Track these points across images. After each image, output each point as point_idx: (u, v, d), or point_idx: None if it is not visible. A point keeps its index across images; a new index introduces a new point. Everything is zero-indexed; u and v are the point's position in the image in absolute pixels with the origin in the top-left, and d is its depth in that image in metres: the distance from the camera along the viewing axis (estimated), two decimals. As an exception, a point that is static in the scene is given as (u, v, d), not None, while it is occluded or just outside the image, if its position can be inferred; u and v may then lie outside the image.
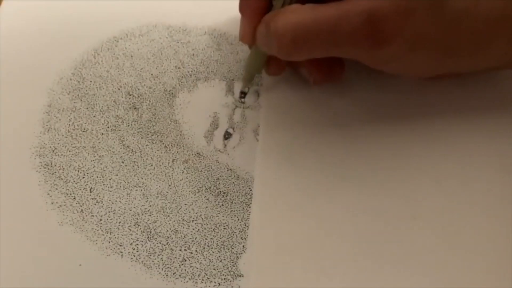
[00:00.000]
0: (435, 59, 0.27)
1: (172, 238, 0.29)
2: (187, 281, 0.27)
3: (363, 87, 0.33)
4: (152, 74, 0.35)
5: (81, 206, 0.30)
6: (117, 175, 0.31)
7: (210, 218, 0.30)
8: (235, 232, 0.29)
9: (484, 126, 0.32)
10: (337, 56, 0.28)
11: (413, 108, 0.32)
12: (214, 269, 0.28)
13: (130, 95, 0.34)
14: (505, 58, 0.28)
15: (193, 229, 0.29)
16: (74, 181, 0.31)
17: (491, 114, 0.32)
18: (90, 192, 0.30)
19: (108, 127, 0.33)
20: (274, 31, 0.26)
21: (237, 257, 0.28)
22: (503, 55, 0.28)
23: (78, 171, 0.31)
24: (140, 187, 0.30)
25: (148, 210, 0.30)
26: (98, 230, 0.29)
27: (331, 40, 0.25)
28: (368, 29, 0.25)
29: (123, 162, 0.31)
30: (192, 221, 0.29)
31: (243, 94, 0.33)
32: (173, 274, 0.28)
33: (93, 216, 0.29)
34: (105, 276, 0.27)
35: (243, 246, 0.29)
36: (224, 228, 0.29)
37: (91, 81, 0.35)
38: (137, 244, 0.29)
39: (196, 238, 0.29)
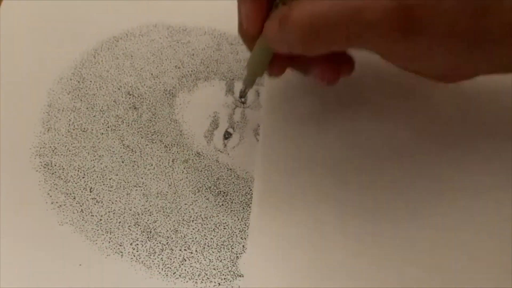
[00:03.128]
0: (462, 53, 0.25)
1: (172, 238, 0.29)
2: (187, 281, 0.27)
3: (365, 87, 0.33)
4: (152, 74, 0.35)
5: (81, 206, 0.30)
6: (117, 175, 0.31)
7: (210, 218, 0.30)
8: (235, 232, 0.29)
9: (484, 128, 0.32)
10: (361, 48, 0.25)
11: (416, 110, 0.32)
12: (214, 269, 0.28)
13: (130, 95, 0.34)
14: None
15: (193, 229, 0.29)
16: (74, 181, 0.31)
17: (490, 116, 0.32)
18: (90, 192, 0.30)
19: (108, 127, 0.33)
20: (292, 24, 0.24)
21: (237, 257, 0.28)
22: None
23: (78, 171, 0.31)
24: (140, 187, 0.30)
25: (148, 210, 0.30)
26: (98, 230, 0.29)
27: (354, 30, 0.24)
28: (398, 18, 0.23)
29: (123, 162, 0.31)
30: (192, 221, 0.29)
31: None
32: (173, 274, 0.28)
33: (93, 216, 0.29)
34: (105, 276, 0.27)
35: (243, 246, 0.29)
36: (224, 228, 0.29)
37: (91, 81, 0.35)
38: (137, 244, 0.29)
39: (196, 238, 0.29)
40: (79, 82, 0.35)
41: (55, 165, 0.31)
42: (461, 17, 0.24)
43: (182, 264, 0.28)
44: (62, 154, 0.32)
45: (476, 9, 0.24)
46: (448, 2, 0.23)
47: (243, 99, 0.32)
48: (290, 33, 0.25)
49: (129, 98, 0.34)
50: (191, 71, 0.35)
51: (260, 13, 0.27)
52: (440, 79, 0.30)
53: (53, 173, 0.31)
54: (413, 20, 0.23)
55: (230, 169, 0.31)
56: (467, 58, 0.26)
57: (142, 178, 0.31)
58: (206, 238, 0.29)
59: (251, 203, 0.30)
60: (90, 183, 0.31)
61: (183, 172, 0.31)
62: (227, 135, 0.32)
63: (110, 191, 0.30)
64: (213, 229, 0.29)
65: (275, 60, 0.29)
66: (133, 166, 0.31)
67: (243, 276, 0.28)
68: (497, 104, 0.32)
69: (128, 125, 0.33)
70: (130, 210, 0.30)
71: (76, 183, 0.30)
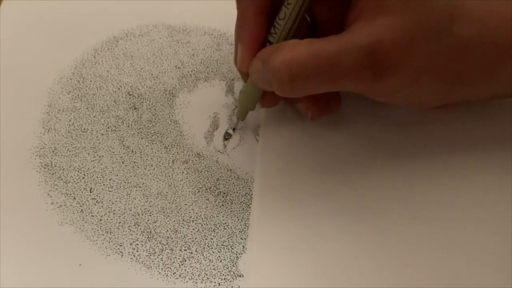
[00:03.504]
0: (441, 89, 0.26)
1: (172, 238, 0.29)
2: (187, 281, 0.27)
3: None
4: (152, 74, 0.35)
5: (81, 206, 0.30)
6: (117, 175, 0.31)
7: (210, 218, 0.30)
8: (235, 232, 0.29)
9: (484, 127, 0.32)
10: (338, 90, 0.26)
11: (417, 110, 0.32)
12: (214, 269, 0.28)
13: (130, 95, 0.34)
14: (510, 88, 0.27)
15: (193, 229, 0.29)
16: (74, 181, 0.31)
17: (490, 116, 0.32)
18: (90, 192, 0.30)
19: (108, 127, 0.33)
20: (272, 68, 0.25)
21: (237, 257, 0.28)
22: (510, 83, 0.26)
23: (78, 171, 0.31)
24: (140, 187, 0.30)
25: (148, 210, 0.30)
26: (98, 230, 0.29)
27: (332, 75, 0.24)
28: (370, 62, 0.24)
29: (123, 163, 0.31)
30: (192, 221, 0.29)
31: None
32: (173, 274, 0.28)
33: (93, 216, 0.29)
34: (105, 276, 0.27)
35: (243, 246, 0.29)
36: (224, 228, 0.29)
37: (91, 81, 0.35)
38: (137, 244, 0.29)
39: (196, 238, 0.29)
40: (79, 82, 0.35)
41: (55, 166, 0.31)
42: (435, 60, 0.24)
43: (182, 264, 0.28)
44: (62, 155, 0.32)
45: (450, 52, 0.24)
46: (420, 46, 0.24)
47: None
48: (272, 77, 0.26)
49: (129, 98, 0.34)
50: (191, 71, 0.35)
51: (252, 55, 0.28)
52: (426, 109, 0.31)
53: (53, 174, 0.31)
54: (385, 64, 0.24)
55: (230, 170, 0.31)
56: (448, 94, 0.26)
57: (142, 178, 0.31)
58: (206, 238, 0.29)
59: (251, 203, 0.30)
60: (90, 183, 0.31)
61: (183, 172, 0.31)
62: (227, 136, 0.32)
63: (110, 191, 0.30)
64: (213, 229, 0.29)
65: (266, 94, 0.30)
66: (133, 166, 0.31)
67: (243, 276, 0.28)
68: (497, 104, 0.32)
69: (128, 126, 0.33)
70: (130, 210, 0.30)
71: (76, 184, 0.31)
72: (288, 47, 0.25)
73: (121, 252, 0.28)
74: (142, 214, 0.30)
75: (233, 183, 0.31)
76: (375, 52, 0.23)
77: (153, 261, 0.28)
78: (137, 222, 0.29)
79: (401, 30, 0.23)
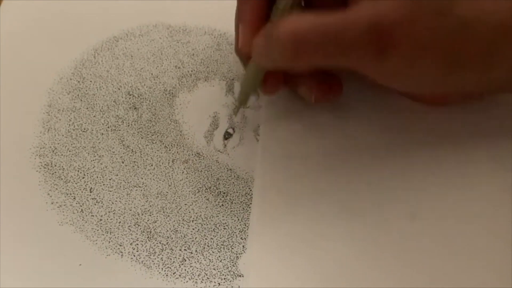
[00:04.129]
0: (441, 70, 0.26)
1: (172, 238, 0.29)
2: (187, 281, 0.27)
3: (367, 87, 0.33)
4: (152, 74, 0.35)
5: (81, 206, 0.30)
6: (117, 175, 0.31)
7: (210, 218, 0.30)
8: (235, 232, 0.29)
9: (484, 127, 0.32)
10: (341, 65, 0.26)
11: (417, 110, 0.32)
12: (214, 269, 0.28)
13: (130, 95, 0.34)
14: (510, 73, 0.27)
15: (193, 229, 0.29)
16: (74, 181, 0.31)
17: (491, 115, 0.32)
18: (90, 192, 0.30)
19: (108, 127, 0.33)
20: (276, 38, 0.25)
21: (237, 257, 0.28)
22: (509, 68, 0.26)
23: (78, 171, 0.31)
24: (140, 187, 0.30)
25: (148, 210, 0.30)
26: (98, 230, 0.29)
27: (334, 48, 0.25)
28: (372, 37, 0.24)
29: (123, 162, 0.31)
30: (192, 221, 0.29)
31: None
32: (173, 274, 0.28)
33: (93, 216, 0.29)
34: (105, 276, 0.27)
35: (243, 246, 0.29)
36: (224, 228, 0.29)
37: (91, 81, 0.35)
38: (137, 244, 0.29)
39: (196, 238, 0.29)
40: (79, 82, 0.35)
41: (55, 165, 0.31)
42: (436, 38, 0.25)
43: (182, 264, 0.28)
44: (62, 154, 0.32)
45: (451, 32, 0.25)
46: (422, 23, 0.24)
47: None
48: (274, 48, 0.26)
49: (129, 98, 0.34)
50: (191, 71, 0.35)
51: (254, 35, 0.28)
52: (427, 101, 0.31)
53: (53, 173, 0.31)
54: (387, 39, 0.24)
55: (230, 170, 0.31)
56: (447, 77, 0.27)
57: (142, 178, 0.31)
58: (206, 238, 0.29)
59: (251, 203, 0.30)
60: (90, 183, 0.31)
61: (183, 172, 0.31)
62: (227, 136, 0.32)
63: (110, 191, 0.30)
64: (213, 229, 0.29)
65: (267, 79, 0.30)
66: (133, 166, 0.31)
67: (243, 276, 0.28)
68: (497, 104, 0.32)
69: (128, 125, 0.33)
70: (130, 210, 0.30)
71: (76, 183, 0.30)
72: (291, 19, 0.25)
73: (121, 252, 0.28)
74: (142, 214, 0.30)
75: (233, 183, 0.31)
76: (378, 27, 0.24)
77: (153, 261, 0.28)
78: (137, 222, 0.29)
79: (404, 7, 0.24)
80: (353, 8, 0.25)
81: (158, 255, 0.28)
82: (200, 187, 0.31)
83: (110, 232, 0.29)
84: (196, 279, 0.27)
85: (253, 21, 0.28)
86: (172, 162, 0.31)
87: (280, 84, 0.30)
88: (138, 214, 0.30)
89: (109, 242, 0.29)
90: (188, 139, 0.32)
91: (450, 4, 0.24)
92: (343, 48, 0.25)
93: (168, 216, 0.30)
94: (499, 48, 0.26)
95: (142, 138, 0.32)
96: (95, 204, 0.30)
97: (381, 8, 0.24)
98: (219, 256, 0.28)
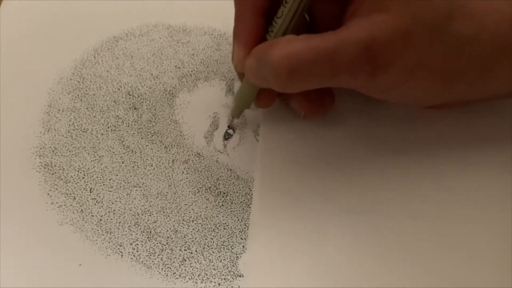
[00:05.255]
0: (436, 87, 0.26)
1: (172, 238, 0.29)
2: (187, 281, 0.27)
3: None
4: (152, 74, 0.35)
5: (81, 206, 0.30)
6: (117, 175, 0.31)
7: (210, 218, 0.30)
8: (235, 232, 0.29)
9: (485, 126, 0.32)
10: (335, 86, 0.27)
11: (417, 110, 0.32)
12: (214, 269, 0.28)
13: (130, 95, 0.34)
14: (509, 87, 0.27)
15: (193, 229, 0.29)
16: (74, 181, 0.31)
17: (491, 115, 0.32)
18: (90, 192, 0.30)
19: (108, 127, 0.33)
20: (270, 62, 0.25)
21: (237, 257, 0.28)
22: (507, 83, 0.26)
23: (78, 171, 0.31)
24: (140, 187, 0.30)
25: (148, 210, 0.30)
26: (98, 230, 0.29)
27: (329, 70, 0.25)
28: (366, 57, 0.24)
29: (123, 163, 0.31)
30: (192, 221, 0.29)
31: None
32: (173, 274, 0.28)
33: (93, 216, 0.29)
34: (105, 276, 0.27)
35: (243, 246, 0.29)
36: (224, 228, 0.29)
37: (91, 81, 0.35)
38: (137, 244, 0.29)
39: (196, 238, 0.29)
40: (79, 82, 0.35)
41: (55, 166, 0.31)
42: (430, 56, 0.24)
43: (182, 264, 0.28)
44: (62, 155, 0.32)
45: (446, 49, 0.24)
46: (416, 41, 0.24)
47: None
48: (269, 72, 0.25)
49: (129, 98, 0.34)
50: (191, 71, 0.35)
51: (249, 54, 0.28)
52: (423, 107, 0.31)
53: (53, 174, 0.31)
54: (381, 59, 0.24)
55: (230, 170, 0.31)
56: (443, 92, 0.27)
57: (142, 178, 0.31)
58: (206, 238, 0.29)
59: (251, 203, 0.30)
60: (90, 183, 0.31)
61: (183, 172, 0.31)
62: (227, 136, 0.32)
63: (110, 191, 0.30)
64: (213, 229, 0.29)
65: (261, 94, 0.30)
66: (133, 166, 0.31)
67: (243, 276, 0.28)
68: (497, 102, 0.32)
69: (128, 126, 0.33)
70: (130, 210, 0.30)
71: (76, 184, 0.31)
72: (284, 42, 0.25)
73: (121, 252, 0.28)
74: (142, 214, 0.30)
75: (233, 183, 0.31)
76: (372, 47, 0.24)
77: (153, 261, 0.28)
78: (137, 222, 0.29)
79: (397, 25, 0.24)
80: (347, 28, 0.24)
81: (158, 255, 0.28)
82: (200, 187, 0.31)
83: (110, 232, 0.29)
84: (196, 279, 0.28)
85: (248, 41, 0.28)
86: (172, 162, 0.31)
87: (274, 98, 0.30)
88: (138, 214, 0.30)
89: (109, 242, 0.29)
90: (188, 139, 0.32)
91: (448, 20, 0.24)
92: (337, 70, 0.25)
93: (168, 216, 0.30)
94: (497, 63, 0.25)
95: (142, 138, 0.32)
96: (95, 204, 0.30)
97: (374, 27, 0.24)
98: (219, 256, 0.28)
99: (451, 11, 0.24)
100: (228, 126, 0.32)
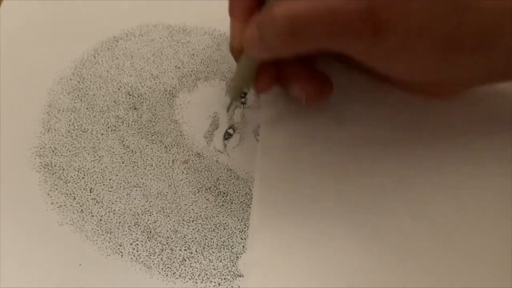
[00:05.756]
0: (437, 55, 0.26)
1: (172, 238, 0.29)
2: (187, 281, 0.27)
3: (364, 89, 0.33)
4: (152, 74, 0.35)
5: (81, 206, 0.30)
6: (117, 175, 0.31)
7: (210, 218, 0.30)
8: (235, 232, 0.29)
9: (484, 125, 0.32)
10: (336, 49, 0.26)
11: (416, 108, 0.32)
12: (214, 269, 0.28)
13: (130, 95, 0.34)
14: (507, 67, 0.26)
15: (193, 229, 0.29)
16: (74, 181, 0.31)
17: (490, 113, 0.32)
18: (90, 192, 0.30)
19: (108, 127, 0.33)
20: (272, 23, 0.25)
21: (237, 257, 0.28)
22: (505, 62, 0.26)
23: (78, 171, 0.31)
24: (140, 187, 0.31)
25: (148, 210, 0.30)
26: (98, 230, 0.29)
27: (330, 29, 0.25)
28: (368, 17, 0.24)
29: (123, 163, 0.31)
30: (192, 221, 0.29)
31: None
32: (173, 274, 0.28)
33: (93, 216, 0.29)
34: (105, 276, 0.27)
35: (243, 246, 0.29)
36: (224, 228, 0.29)
37: (91, 81, 0.35)
38: (137, 244, 0.29)
39: (196, 238, 0.29)
40: (79, 82, 0.35)
41: (55, 166, 0.31)
42: (432, 20, 0.24)
43: (182, 264, 0.28)
44: (62, 155, 0.32)
45: (448, 13, 0.24)
46: (418, 4, 0.24)
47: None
48: (269, 32, 0.25)
49: (129, 98, 0.34)
50: (191, 71, 0.35)
51: (244, 27, 0.28)
52: (421, 92, 0.30)
53: (53, 174, 0.31)
54: (383, 20, 0.24)
55: (230, 170, 0.31)
56: (442, 63, 0.26)
57: (142, 178, 0.31)
58: (206, 238, 0.29)
59: (251, 203, 0.30)
60: (90, 183, 0.31)
61: (183, 172, 0.31)
62: (227, 136, 0.32)
63: (110, 191, 0.30)
64: (213, 229, 0.29)
65: (260, 75, 0.29)
66: (133, 166, 0.31)
67: (243, 276, 0.28)
68: (497, 101, 0.32)
69: (128, 126, 0.33)
70: (130, 210, 0.30)
71: (76, 184, 0.31)
72: (285, 2, 0.25)
73: (121, 252, 0.28)
74: (142, 214, 0.30)
75: (233, 183, 0.31)
76: (374, 8, 0.24)
77: (153, 261, 0.28)
78: (137, 222, 0.29)
79: None
80: None
81: (158, 255, 0.28)
82: (200, 187, 0.31)
83: (110, 232, 0.29)
84: (196, 279, 0.28)
85: (244, 15, 0.28)
86: (172, 162, 0.31)
87: (273, 81, 0.30)
88: (138, 214, 0.30)
89: (109, 242, 0.29)
90: (188, 139, 0.32)
91: None
92: (338, 30, 0.24)
93: (168, 216, 0.30)
94: (497, 37, 0.25)
95: (142, 138, 0.32)
96: (95, 204, 0.30)
97: None
98: (219, 256, 0.28)
99: None
100: (227, 110, 0.32)
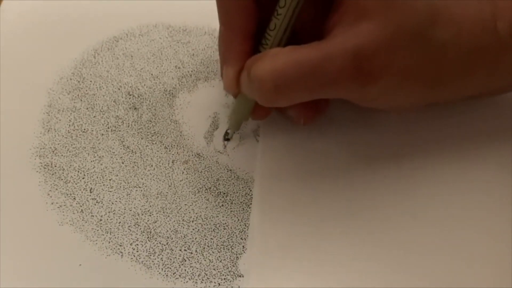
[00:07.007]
0: (423, 92, 0.26)
1: (172, 238, 0.29)
2: (187, 281, 0.27)
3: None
4: (152, 74, 0.35)
5: (81, 206, 0.30)
6: (117, 175, 0.31)
7: (210, 218, 0.30)
8: (235, 232, 0.29)
9: (484, 126, 0.32)
10: (324, 97, 0.26)
11: (416, 111, 0.32)
12: (214, 269, 0.28)
13: (130, 95, 0.34)
14: (484, 87, 0.27)
15: (193, 229, 0.29)
16: (74, 182, 0.31)
17: (490, 114, 0.32)
18: (90, 192, 0.30)
19: (108, 128, 0.33)
20: (254, 79, 0.25)
21: (237, 257, 0.28)
22: (483, 84, 0.27)
23: (78, 171, 0.31)
24: (140, 187, 0.31)
25: (148, 211, 0.30)
26: (98, 230, 0.29)
27: (315, 83, 0.24)
28: (354, 69, 0.23)
29: (123, 163, 0.31)
30: (192, 221, 0.29)
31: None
32: (173, 274, 0.28)
33: (93, 216, 0.29)
34: (105, 276, 0.27)
35: (243, 246, 0.29)
36: (224, 228, 0.29)
37: (91, 81, 0.35)
38: (137, 244, 0.29)
39: (196, 238, 0.29)
40: (79, 82, 0.35)
41: (55, 166, 0.31)
42: (418, 62, 0.24)
43: (182, 264, 0.28)
44: (62, 155, 0.32)
45: (433, 53, 0.25)
46: (402, 48, 0.24)
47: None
48: (255, 88, 0.25)
49: (129, 98, 0.34)
50: (191, 71, 0.35)
51: (238, 75, 0.28)
52: (405, 111, 0.31)
53: (53, 174, 0.31)
54: (369, 69, 0.24)
55: (230, 170, 0.31)
56: (427, 95, 0.27)
57: (142, 178, 0.31)
58: (206, 239, 0.29)
59: (251, 203, 0.30)
60: (90, 183, 0.31)
61: (183, 173, 0.31)
62: (227, 136, 0.32)
63: (110, 191, 0.30)
64: (213, 230, 0.29)
65: (257, 106, 0.29)
66: (133, 166, 0.31)
67: (243, 276, 0.28)
68: (496, 103, 0.32)
69: (128, 126, 0.33)
70: (130, 210, 0.30)
71: (76, 184, 0.31)
72: (269, 56, 0.25)
73: (121, 252, 0.28)
74: (142, 214, 0.30)
75: (233, 183, 0.31)
76: (359, 57, 0.23)
77: (153, 261, 0.28)
78: (137, 222, 0.29)
79: (383, 34, 0.23)
80: (332, 38, 0.24)
81: (158, 255, 0.28)
82: (200, 188, 0.31)
83: (110, 232, 0.29)
84: (196, 279, 0.28)
85: (238, 65, 0.28)
86: (172, 162, 0.32)
87: (269, 111, 0.30)
88: (138, 215, 0.30)
89: (109, 242, 0.29)
90: (188, 139, 0.32)
91: (430, 26, 0.24)
92: (324, 83, 0.24)
93: (168, 216, 0.30)
94: (474, 67, 0.26)
95: (142, 138, 0.32)
96: (95, 205, 0.30)
97: (360, 36, 0.23)
98: (219, 256, 0.28)
99: (432, 15, 0.24)
100: (225, 139, 0.32)
